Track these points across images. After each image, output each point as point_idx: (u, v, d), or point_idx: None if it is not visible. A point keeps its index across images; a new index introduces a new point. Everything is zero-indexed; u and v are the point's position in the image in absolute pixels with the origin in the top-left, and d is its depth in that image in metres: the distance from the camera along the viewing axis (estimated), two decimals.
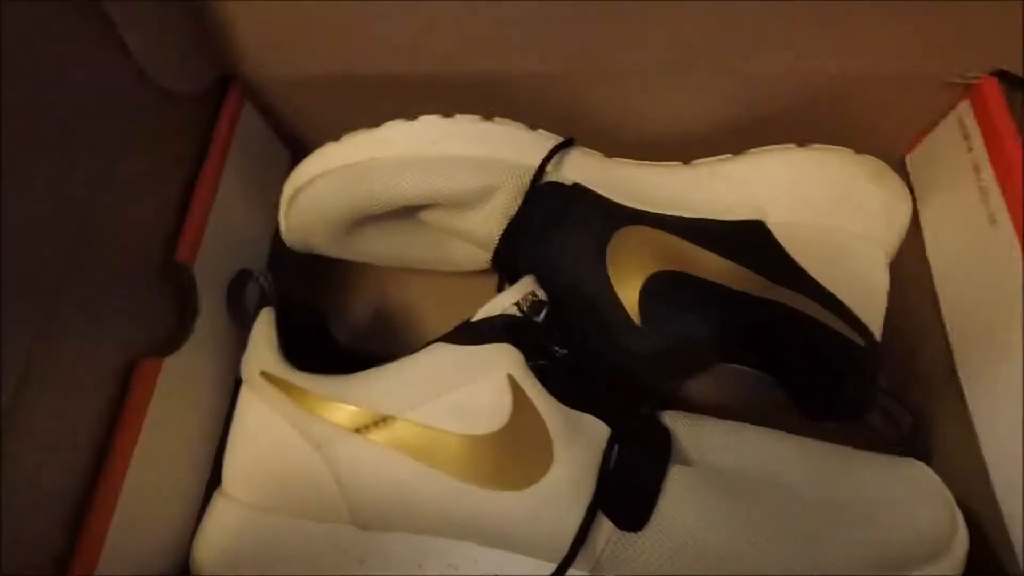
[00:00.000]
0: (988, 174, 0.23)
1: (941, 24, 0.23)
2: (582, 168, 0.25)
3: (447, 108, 0.24)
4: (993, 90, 0.23)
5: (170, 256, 0.23)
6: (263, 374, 0.22)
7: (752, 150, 0.26)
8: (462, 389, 0.20)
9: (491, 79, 0.25)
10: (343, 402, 0.20)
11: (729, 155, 0.26)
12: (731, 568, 0.18)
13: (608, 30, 0.24)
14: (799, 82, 0.26)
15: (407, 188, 0.23)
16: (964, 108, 0.24)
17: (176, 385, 0.22)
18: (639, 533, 0.19)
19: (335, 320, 0.31)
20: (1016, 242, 0.21)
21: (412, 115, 0.24)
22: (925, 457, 0.24)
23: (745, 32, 0.24)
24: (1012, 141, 0.22)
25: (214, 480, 0.23)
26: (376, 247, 0.27)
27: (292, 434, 0.21)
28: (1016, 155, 0.22)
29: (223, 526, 0.21)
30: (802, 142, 0.26)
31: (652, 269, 0.23)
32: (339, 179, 0.23)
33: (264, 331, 0.23)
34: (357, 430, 0.20)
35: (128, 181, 0.21)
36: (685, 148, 0.27)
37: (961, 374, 0.23)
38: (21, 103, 0.16)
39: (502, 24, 0.24)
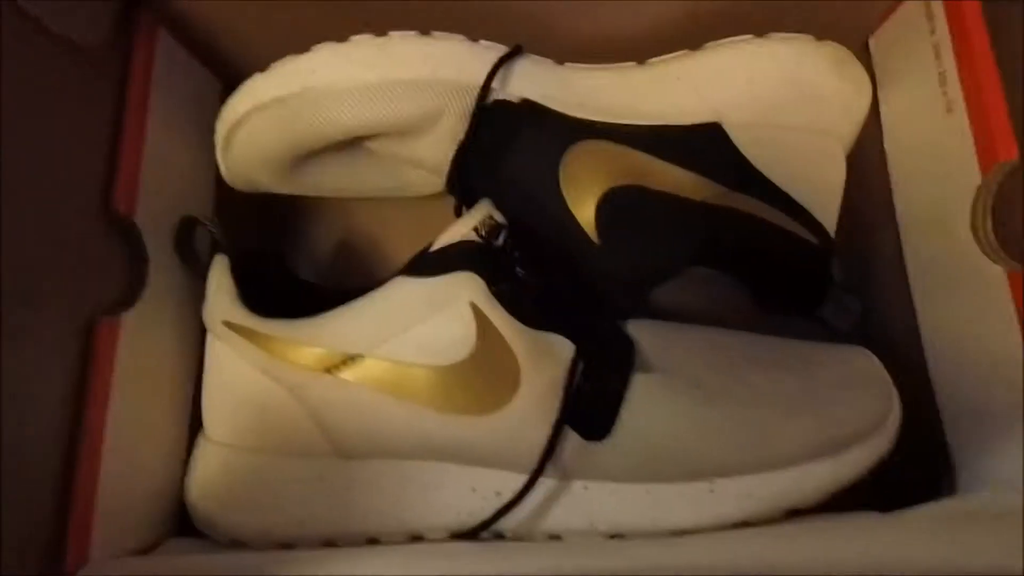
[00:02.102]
0: (949, 59, 0.22)
1: None
2: (531, 79, 0.24)
3: (380, 22, 0.23)
4: None
5: (108, 206, 0.22)
6: (226, 323, 0.22)
7: (709, 44, 0.25)
8: (427, 322, 0.21)
9: None
10: (311, 345, 0.21)
11: (686, 51, 0.25)
12: (688, 465, 0.20)
13: None
14: None
15: (346, 120, 0.21)
16: None
17: (140, 339, 0.22)
18: (603, 441, 0.20)
19: (295, 256, 0.30)
20: (969, 132, 0.21)
21: (343, 36, 0.22)
22: (871, 340, 0.25)
23: None
24: (976, 19, 0.21)
25: (195, 424, 0.24)
26: (325, 180, 0.26)
27: (263, 380, 0.21)
28: (979, 37, 0.21)
29: (211, 468, 0.22)
30: (761, 32, 0.25)
31: (607, 185, 0.23)
32: (272, 115, 0.22)
33: (220, 280, 0.22)
34: (327, 370, 0.21)
35: (48, 135, 0.20)
36: (640, 46, 0.26)
37: (908, 264, 0.24)
38: None
39: None
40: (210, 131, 0.25)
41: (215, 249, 0.25)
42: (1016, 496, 0.18)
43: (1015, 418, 0.19)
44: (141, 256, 0.23)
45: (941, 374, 0.22)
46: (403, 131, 0.23)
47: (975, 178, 0.20)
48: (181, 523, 0.23)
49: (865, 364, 0.23)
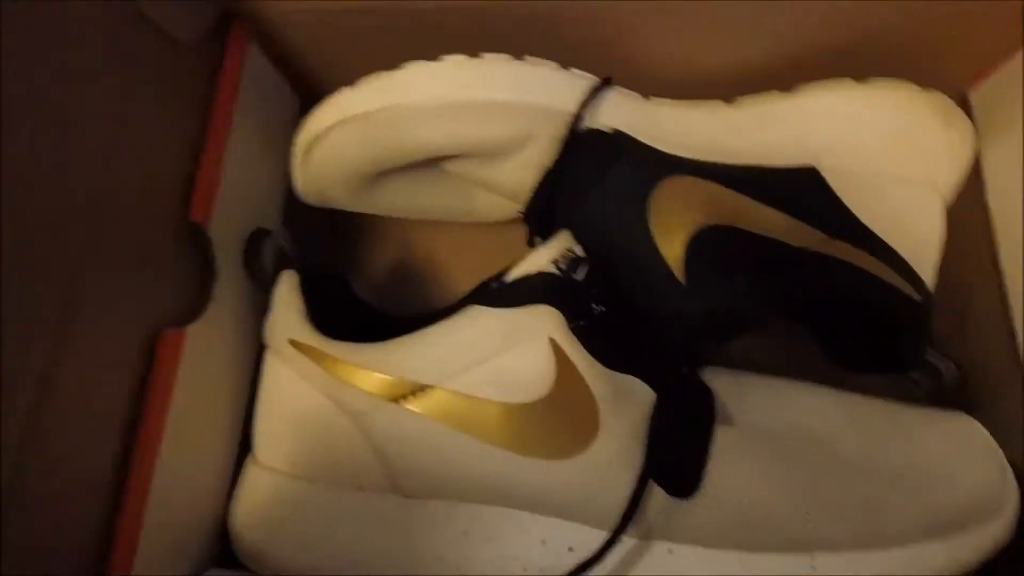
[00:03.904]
0: None
1: None
2: (620, 111, 0.23)
3: (470, 46, 0.22)
4: None
5: (185, 216, 0.21)
6: (292, 342, 0.21)
7: (804, 86, 0.24)
8: (503, 356, 0.19)
9: (518, 13, 0.23)
10: (379, 371, 0.20)
11: (777, 92, 0.24)
12: (786, 534, 0.18)
13: None
14: (856, 10, 0.23)
15: (434, 138, 0.21)
16: None
17: (201, 353, 0.21)
18: (690, 500, 0.19)
19: (355, 276, 0.29)
20: None
21: (434, 55, 0.21)
22: (968, 409, 0.23)
23: None
24: None
25: (243, 447, 0.23)
26: (397, 199, 0.25)
27: (325, 404, 0.20)
28: None
29: (259, 495, 0.21)
30: (860, 77, 0.24)
31: (699, 223, 0.21)
32: (358, 129, 0.21)
33: (288, 296, 0.21)
34: (394, 399, 0.20)
35: (140, 136, 0.19)
36: (731, 85, 0.25)
37: (1019, 329, 0.22)
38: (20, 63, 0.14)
39: None
40: (284, 146, 0.24)
41: (281, 263, 0.24)
42: None
43: None
44: (211, 267, 0.22)
45: None
46: (488, 153, 0.22)
47: None
48: (221, 552, 0.22)
49: (971, 433, 0.21)
